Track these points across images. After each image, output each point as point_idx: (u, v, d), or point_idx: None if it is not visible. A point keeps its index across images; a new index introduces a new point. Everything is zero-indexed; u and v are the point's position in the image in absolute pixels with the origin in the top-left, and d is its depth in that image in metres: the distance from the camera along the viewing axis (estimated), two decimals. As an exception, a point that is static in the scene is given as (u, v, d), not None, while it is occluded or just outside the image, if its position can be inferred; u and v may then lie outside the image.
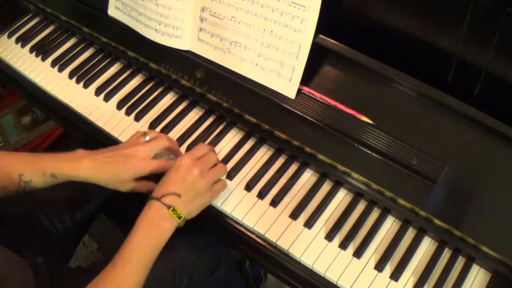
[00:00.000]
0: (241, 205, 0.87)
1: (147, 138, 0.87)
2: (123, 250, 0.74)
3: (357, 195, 0.87)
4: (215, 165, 0.84)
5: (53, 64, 1.13)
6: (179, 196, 0.78)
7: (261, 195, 0.88)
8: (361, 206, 0.86)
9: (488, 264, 0.78)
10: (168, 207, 0.77)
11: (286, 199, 0.87)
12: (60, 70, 1.12)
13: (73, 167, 0.83)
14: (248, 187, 0.89)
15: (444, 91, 0.82)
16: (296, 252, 0.82)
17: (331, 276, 0.79)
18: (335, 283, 0.79)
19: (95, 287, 0.71)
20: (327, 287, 0.80)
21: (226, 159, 0.92)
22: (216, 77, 0.96)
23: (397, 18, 0.87)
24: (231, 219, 0.87)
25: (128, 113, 1.02)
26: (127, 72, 1.09)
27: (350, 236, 0.82)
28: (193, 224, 1.03)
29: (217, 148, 0.94)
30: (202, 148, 0.85)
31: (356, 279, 0.79)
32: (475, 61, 0.82)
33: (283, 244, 0.83)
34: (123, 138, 0.98)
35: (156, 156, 0.86)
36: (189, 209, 0.80)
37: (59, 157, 0.84)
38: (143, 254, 0.74)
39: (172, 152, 0.92)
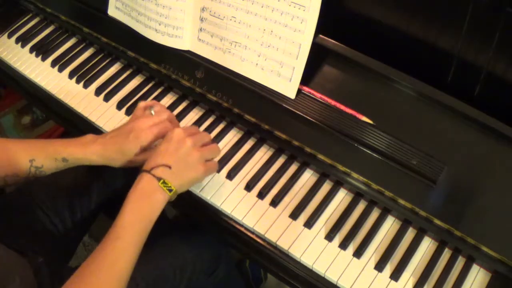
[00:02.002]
0: (241, 205, 0.87)
1: (152, 112, 0.88)
2: (114, 226, 0.72)
3: (357, 195, 0.87)
4: (209, 143, 0.84)
5: (53, 64, 1.13)
6: (169, 167, 0.77)
7: (261, 195, 0.88)
8: (361, 206, 0.86)
9: (488, 264, 0.78)
10: (158, 179, 0.75)
11: (286, 199, 0.87)
12: (60, 70, 1.12)
13: (83, 150, 0.83)
14: (248, 187, 0.89)
15: (444, 91, 0.82)
16: (296, 252, 0.82)
17: (331, 276, 0.79)
18: (335, 283, 0.79)
19: (88, 267, 0.69)
20: (327, 287, 0.80)
21: (226, 159, 0.92)
22: (216, 77, 0.96)
23: (397, 18, 0.87)
24: (231, 219, 0.87)
25: (128, 113, 1.02)
26: (127, 72, 1.09)
27: (350, 236, 0.82)
28: (193, 224, 1.03)
29: (217, 148, 0.94)
30: (196, 128, 0.86)
31: (356, 279, 0.79)
32: (475, 61, 0.82)
33: (283, 244, 0.83)
34: (123, 138, 0.98)
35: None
36: (180, 181, 0.78)
37: (70, 142, 0.85)
38: (135, 229, 0.73)
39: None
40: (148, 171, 0.76)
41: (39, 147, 0.84)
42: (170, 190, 0.76)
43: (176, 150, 0.78)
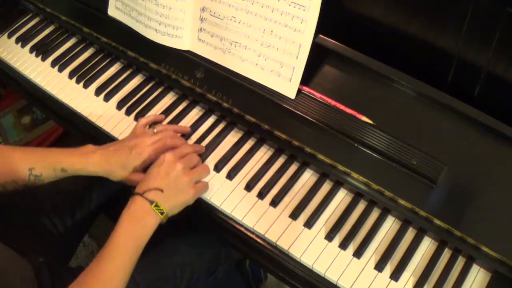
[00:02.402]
0: (241, 205, 0.87)
1: (155, 131, 0.90)
2: (107, 247, 0.74)
3: (357, 195, 0.87)
4: (197, 164, 0.87)
5: (53, 64, 1.13)
6: (161, 191, 0.79)
7: (261, 195, 0.88)
8: (361, 206, 0.86)
9: (488, 264, 0.78)
10: (151, 202, 0.78)
11: (286, 199, 0.87)
12: (60, 70, 1.12)
13: (83, 161, 0.85)
14: (248, 187, 0.89)
15: (444, 91, 0.82)
16: (296, 252, 0.82)
17: (331, 276, 0.79)
18: (335, 283, 0.79)
19: (81, 285, 0.71)
20: (327, 287, 0.80)
21: (226, 159, 0.92)
22: (216, 77, 0.96)
23: (397, 18, 0.87)
24: (231, 219, 0.87)
25: (128, 113, 1.02)
26: (127, 72, 1.09)
27: (350, 236, 0.82)
28: (193, 224, 1.03)
29: (217, 148, 0.95)
30: (186, 148, 0.88)
31: (356, 279, 0.79)
32: (475, 61, 0.82)
33: (283, 244, 0.83)
34: (123, 138, 0.98)
35: None
36: (171, 204, 0.80)
37: (70, 152, 0.86)
38: (127, 250, 0.75)
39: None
40: (141, 194, 0.78)
41: (38, 156, 0.85)
42: (162, 213, 0.78)
43: (167, 174, 0.81)
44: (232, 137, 0.96)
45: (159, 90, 1.05)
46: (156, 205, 0.78)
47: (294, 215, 0.85)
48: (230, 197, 0.88)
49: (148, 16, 1.01)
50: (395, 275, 0.79)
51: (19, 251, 0.85)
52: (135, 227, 0.77)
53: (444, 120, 0.82)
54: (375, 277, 0.79)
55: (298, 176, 0.90)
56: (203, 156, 0.93)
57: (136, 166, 0.86)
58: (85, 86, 1.08)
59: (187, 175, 0.83)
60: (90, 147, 0.86)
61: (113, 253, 0.74)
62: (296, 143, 0.89)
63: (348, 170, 0.85)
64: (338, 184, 0.88)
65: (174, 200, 0.81)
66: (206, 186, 0.87)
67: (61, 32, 1.20)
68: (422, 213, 0.80)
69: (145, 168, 0.87)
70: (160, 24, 1.00)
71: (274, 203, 0.87)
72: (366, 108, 0.86)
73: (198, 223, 1.00)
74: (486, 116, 0.79)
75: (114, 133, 0.99)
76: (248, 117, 0.94)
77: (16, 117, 1.77)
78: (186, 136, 0.97)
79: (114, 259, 0.73)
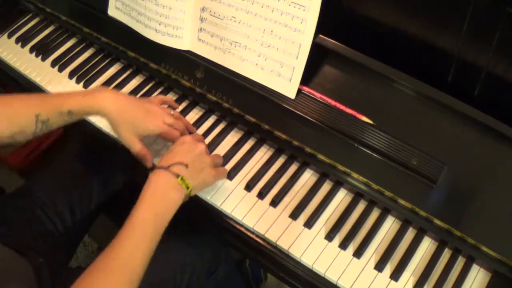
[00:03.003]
0: (241, 205, 0.87)
1: (172, 112, 0.91)
2: (126, 224, 0.69)
3: (357, 195, 0.87)
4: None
5: (53, 64, 1.13)
6: (186, 166, 0.77)
7: (261, 195, 0.88)
8: (361, 206, 0.86)
9: (488, 264, 0.78)
10: (177, 175, 0.75)
11: (286, 199, 0.87)
12: (60, 70, 1.12)
13: (90, 97, 0.81)
14: (248, 187, 0.89)
15: (444, 91, 0.82)
16: (296, 252, 0.82)
17: (331, 276, 0.79)
18: (335, 283, 0.79)
19: (99, 265, 0.66)
20: (327, 287, 0.80)
21: (226, 159, 0.92)
22: (216, 77, 0.96)
23: (397, 18, 0.87)
24: (231, 219, 0.87)
25: (128, 113, 1.02)
26: (127, 72, 1.09)
27: (350, 236, 0.82)
28: (194, 225, 1.03)
29: (217, 148, 0.95)
30: (201, 137, 0.90)
31: (356, 279, 0.79)
32: (475, 61, 0.82)
33: (283, 244, 0.83)
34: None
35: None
36: (196, 182, 0.78)
37: (75, 93, 0.84)
38: (149, 227, 0.70)
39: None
40: (166, 168, 0.75)
41: (44, 101, 0.82)
42: (187, 188, 0.76)
43: (191, 151, 0.79)
44: (232, 137, 0.96)
45: (159, 90, 1.05)
46: (182, 179, 0.75)
47: (294, 215, 0.85)
48: (230, 197, 0.88)
49: (148, 16, 1.01)
50: (395, 275, 0.79)
51: (19, 251, 0.85)
52: (159, 202, 0.72)
53: (444, 120, 0.82)
54: (375, 277, 0.79)
55: (298, 176, 0.90)
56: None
57: (141, 131, 0.83)
58: (85, 86, 1.08)
59: (208, 156, 0.83)
60: (102, 87, 0.85)
61: (132, 230, 0.68)
62: (296, 143, 0.89)
63: (348, 170, 0.85)
64: (338, 184, 0.88)
65: (198, 178, 0.79)
66: (225, 172, 0.88)
67: (61, 32, 1.20)
68: (422, 213, 0.80)
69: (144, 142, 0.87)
70: (160, 24, 1.00)
71: (274, 203, 0.87)
72: (366, 108, 0.86)
73: (198, 223, 1.00)
74: (486, 116, 0.79)
75: (114, 133, 0.99)
76: (248, 117, 0.94)
77: (16, 117, 1.77)
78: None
79: (133, 236, 0.68)
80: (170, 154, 0.79)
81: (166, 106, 0.96)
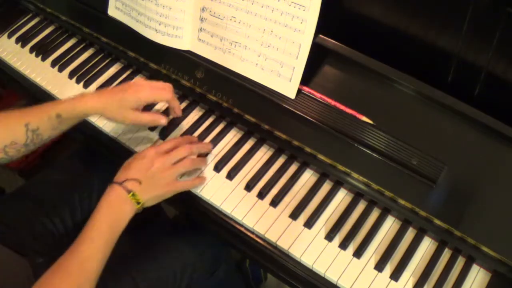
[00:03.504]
0: (241, 205, 0.87)
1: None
2: (86, 231, 0.76)
3: (357, 195, 0.87)
4: (182, 159, 0.87)
5: (53, 64, 1.13)
6: (140, 183, 0.81)
7: (261, 195, 0.88)
8: (361, 206, 0.86)
9: (488, 264, 0.78)
10: (128, 191, 0.79)
11: (286, 199, 0.87)
12: (60, 70, 1.12)
13: (76, 102, 0.85)
14: (248, 187, 0.89)
15: (444, 91, 0.82)
16: (296, 252, 0.82)
17: (331, 276, 0.79)
18: (335, 283, 0.79)
19: (60, 266, 0.73)
20: (327, 287, 0.80)
21: (226, 159, 0.92)
22: (216, 77, 0.96)
23: (397, 18, 0.87)
24: (231, 219, 0.87)
25: (128, 113, 1.02)
26: (127, 72, 1.09)
27: (350, 236, 0.82)
28: (194, 225, 1.03)
29: (217, 148, 0.95)
30: (170, 143, 0.88)
31: (356, 279, 0.79)
32: (475, 61, 0.82)
33: (283, 244, 0.83)
34: (122, 138, 0.98)
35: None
36: (148, 196, 0.82)
37: (62, 99, 0.88)
38: (104, 235, 0.76)
39: (171, 110, 0.94)
40: (119, 183, 0.80)
41: (31, 111, 0.85)
42: (138, 203, 0.80)
43: (148, 168, 0.83)
44: (232, 137, 0.96)
45: (159, 90, 1.05)
46: (133, 195, 0.80)
47: (294, 215, 0.85)
48: (230, 197, 0.88)
49: (148, 16, 1.01)
50: (395, 275, 0.79)
51: (19, 251, 0.85)
52: (113, 214, 0.78)
53: (444, 120, 0.82)
54: (375, 277, 0.79)
55: (298, 176, 0.90)
56: (203, 156, 0.93)
57: (132, 104, 0.86)
58: (86, 86, 1.08)
59: (165, 172, 0.84)
60: (85, 92, 0.88)
61: (91, 236, 0.76)
62: (296, 143, 0.89)
63: (348, 170, 0.85)
64: (338, 184, 0.88)
65: (151, 193, 0.82)
66: (188, 184, 0.88)
67: (61, 32, 1.20)
68: (422, 213, 0.80)
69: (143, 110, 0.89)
70: (160, 24, 1.00)
71: (274, 203, 0.87)
72: (366, 108, 0.85)
73: (198, 223, 1.00)
74: (486, 116, 0.79)
75: (114, 133, 0.99)
76: (248, 117, 0.94)
77: (16, 117, 1.77)
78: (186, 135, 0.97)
79: (92, 241, 0.75)
80: (127, 168, 0.83)
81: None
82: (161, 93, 0.88)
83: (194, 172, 0.91)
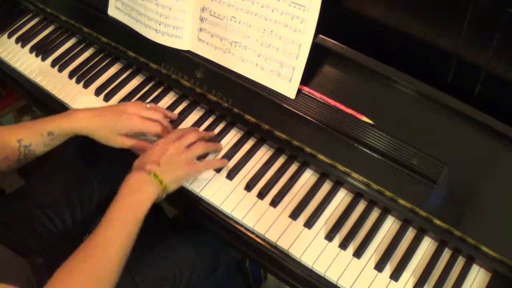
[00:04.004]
0: (241, 205, 0.87)
1: (148, 106, 0.93)
2: (105, 217, 0.75)
3: (357, 195, 0.87)
4: (194, 143, 0.88)
5: (53, 64, 1.13)
6: (158, 164, 0.82)
7: (261, 195, 0.88)
8: (361, 206, 0.86)
9: (488, 264, 0.78)
10: (149, 172, 0.80)
11: (286, 199, 0.87)
12: (60, 70, 1.12)
13: (68, 119, 0.87)
14: (248, 187, 0.89)
15: (444, 91, 0.82)
16: (296, 252, 0.82)
17: (331, 276, 0.79)
18: (335, 283, 0.79)
19: (79, 254, 0.72)
20: (327, 287, 0.80)
21: (226, 159, 0.92)
22: (216, 77, 0.96)
23: (397, 18, 0.87)
24: (231, 219, 0.87)
25: (128, 113, 1.02)
26: (127, 72, 1.09)
27: (350, 236, 0.82)
28: (193, 224, 1.03)
29: (217, 148, 0.95)
30: (178, 132, 0.90)
31: (356, 279, 0.79)
32: (475, 61, 0.82)
33: (283, 244, 0.83)
34: (123, 138, 0.98)
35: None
36: (170, 178, 0.82)
37: (55, 116, 0.88)
38: (127, 219, 0.75)
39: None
40: (139, 168, 0.81)
41: (25, 126, 0.87)
42: (161, 183, 0.80)
43: (163, 152, 0.84)
44: (232, 137, 0.96)
45: (159, 90, 1.05)
46: (155, 175, 0.80)
47: (294, 215, 0.85)
48: (230, 197, 0.88)
49: (148, 16, 1.01)
50: (395, 275, 0.79)
51: (19, 252, 0.85)
52: (134, 196, 0.78)
53: (444, 120, 0.82)
54: (375, 277, 0.79)
55: (298, 176, 0.90)
56: (203, 156, 0.93)
57: (122, 131, 0.88)
58: (85, 86, 1.08)
59: (182, 153, 0.85)
60: (77, 109, 0.89)
61: (112, 222, 0.74)
62: (296, 143, 0.89)
63: (348, 170, 0.85)
64: (338, 184, 0.88)
65: (172, 174, 0.83)
66: (205, 165, 0.89)
67: (61, 32, 1.20)
68: (422, 213, 0.80)
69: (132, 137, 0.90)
70: (160, 24, 1.00)
71: (274, 203, 0.87)
72: (366, 108, 0.85)
73: (198, 223, 1.00)
74: (486, 116, 0.79)
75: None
76: (248, 117, 0.94)
77: (16, 117, 1.77)
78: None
79: (113, 228, 0.74)
80: (143, 156, 0.84)
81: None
82: (151, 126, 0.90)
83: (210, 155, 0.93)
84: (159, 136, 0.93)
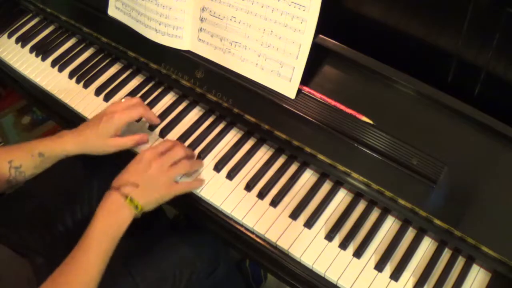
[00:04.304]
0: (241, 205, 0.87)
1: (122, 100, 0.93)
2: (84, 240, 0.76)
3: (357, 195, 0.87)
4: (179, 160, 0.86)
5: (53, 64, 1.13)
6: (137, 186, 0.81)
7: (261, 195, 0.88)
8: (361, 206, 0.86)
9: (488, 264, 0.78)
10: (125, 197, 0.79)
11: (286, 199, 0.87)
12: (60, 70, 1.12)
13: (58, 141, 0.88)
14: (248, 187, 0.89)
15: (444, 91, 0.82)
16: (296, 252, 0.82)
17: (331, 276, 0.79)
18: (335, 283, 0.79)
19: (58, 277, 0.73)
20: (327, 287, 0.80)
21: (226, 159, 0.92)
22: (216, 77, 0.96)
23: (397, 18, 0.87)
24: (231, 219, 0.87)
25: (128, 113, 1.02)
26: (127, 72, 1.09)
27: (350, 236, 0.82)
28: (193, 224, 1.03)
29: (217, 148, 0.95)
30: (166, 144, 0.88)
31: (356, 279, 0.79)
32: (475, 61, 0.82)
33: (283, 244, 0.83)
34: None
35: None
36: (147, 200, 0.82)
37: (45, 138, 0.89)
38: (103, 243, 0.76)
39: (148, 121, 0.97)
40: (116, 189, 0.80)
41: (15, 148, 0.87)
42: (136, 208, 0.80)
43: (144, 171, 0.82)
44: (232, 137, 0.96)
45: (159, 90, 1.05)
46: (131, 199, 0.79)
47: (294, 215, 0.85)
48: (230, 197, 0.88)
49: (148, 16, 1.01)
50: (395, 275, 0.79)
51: (19, 252, 0.85)
52: (110, 220, 0.78)
53: (444, 120, 0.82)
54: (375, 277, 0.79)
55: (298, 176, 0.90)
56: (203, 156, 0.93)
57: (110, 132, 0.88)
58: (85, 86, 1.08)
59: (164, 174, 0.83)
60: (64, 131, 0.90)
61: (90, 245, 0.76)
62: (296, 143, 0.89)
63: (348, 170, 0.85)
64: (338, 184, 0.88)
65: (149, 196, 0.82)
66: (186, 186, 0.88)
67: (61, 32, 1.20)
68: (422, 213, 0.80)
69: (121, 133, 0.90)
70: (160, 24, 1.00)
71: (274, 203, 0.87)
72: (366, 108, 0.85)
73: (198, 223, 1.00)
74: (486, 116, 0.79)
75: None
76: (248, 117, 0.94)
77: (16, 117, 1.77)
78: (185, 136, 0.97)
79: (91, 251, 0.75)
80: (124, 173, 0.83)
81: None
82: (133, 111, 0.90)
83: (192, 173, 0.90)
84: (150, 125, 0.95)
